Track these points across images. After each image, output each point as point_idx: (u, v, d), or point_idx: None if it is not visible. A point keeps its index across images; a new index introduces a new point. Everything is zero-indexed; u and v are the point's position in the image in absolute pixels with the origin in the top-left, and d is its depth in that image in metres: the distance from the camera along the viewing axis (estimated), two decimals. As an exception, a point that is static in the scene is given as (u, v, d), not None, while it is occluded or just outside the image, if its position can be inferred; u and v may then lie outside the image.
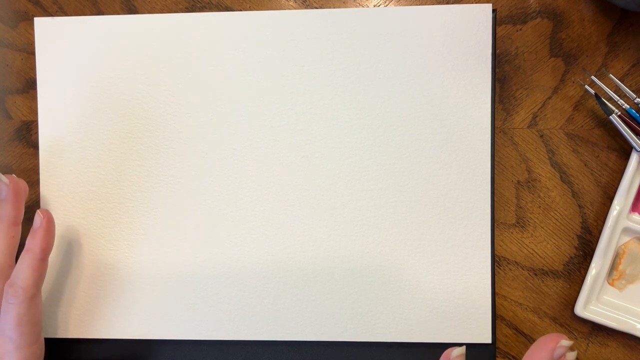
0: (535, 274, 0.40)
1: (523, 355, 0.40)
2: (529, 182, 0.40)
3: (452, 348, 0.34)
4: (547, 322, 0.40)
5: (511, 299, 0.40)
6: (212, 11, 0.41)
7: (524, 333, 0.40)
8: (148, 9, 0.41)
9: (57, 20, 0.40)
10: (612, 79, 0.38)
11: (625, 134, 0.37)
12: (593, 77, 0.38)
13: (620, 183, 0.38)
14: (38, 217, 0.37)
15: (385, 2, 0.41)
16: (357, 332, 0.39)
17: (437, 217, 0.39)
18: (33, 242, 0.36)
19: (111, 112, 0.40)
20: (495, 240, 0.40)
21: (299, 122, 0.39)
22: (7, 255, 0.37)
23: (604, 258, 0.38)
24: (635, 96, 0.37)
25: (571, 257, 0.40)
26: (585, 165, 0.40)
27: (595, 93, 0.38)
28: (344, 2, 0.41)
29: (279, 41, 0.39)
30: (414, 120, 0.39)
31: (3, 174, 0.40)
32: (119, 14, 0.41)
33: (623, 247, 0.39)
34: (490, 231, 0.39)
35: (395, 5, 0.41)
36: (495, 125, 0.40)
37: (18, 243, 0.38)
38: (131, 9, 0.41)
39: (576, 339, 0.40)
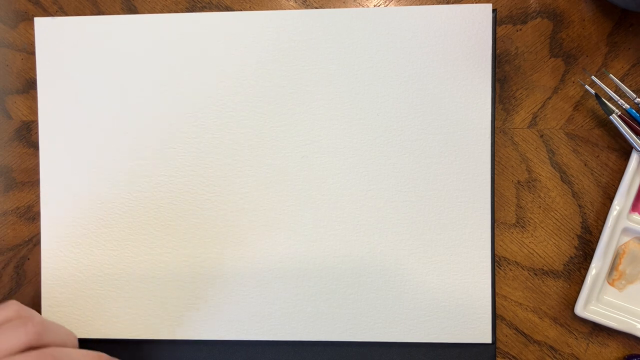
0: (535, 274, 0.40)
1: (523, 355, 0.40)
2: (529, 182, 0.40)
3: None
4: (547, 322, 0.40)
5: (511, 299, 0.40)
6: (212, 11, 0.41)
7: (524, 333, 0.40)
8: (148, 9, 0.41)
9: (57, 20, 0.40)
10: (612, 79, 0.38)
11: (625, 134, 0.37)
12: (593, 77, 0.38)
13: (620, 183, 0.38)
14: None
15: (385, 2, 0.41)
16: (357, 332, 0.39)
17: (437, 217, 0.39)
18: None
19: (111, 112, 0.40)
20: (495, 240, 0.40)
21: (298, 122, 0.39)
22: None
23: (604, 258, 0.38)
24: (635, 96, 0.37)
25: (571, 257, 0.40)
26: (585, 165, 0.40)
27: (595, 93, 0.38)
28: (344, 2, 0.41)
29: (278, 41, 0.39)
30: (414, 120, 0.39)
31: (4, 174, 0.40)
32: (119, 14, 0.41)
33: (623, 247, 0.39)
34: (490, 231, 0.39)
35: (395, 5, 0.41)
36: (495, 125, 0.40)
37: None
38: (131, 9, 0.41)
39: (576, 339, 0.40)
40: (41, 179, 0.40)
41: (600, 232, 0.39)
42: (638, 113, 0.38)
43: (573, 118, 0.40)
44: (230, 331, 0.40)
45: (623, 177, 0.38)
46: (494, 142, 0.39)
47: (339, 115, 0.39)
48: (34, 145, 0.42)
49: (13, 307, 0.33)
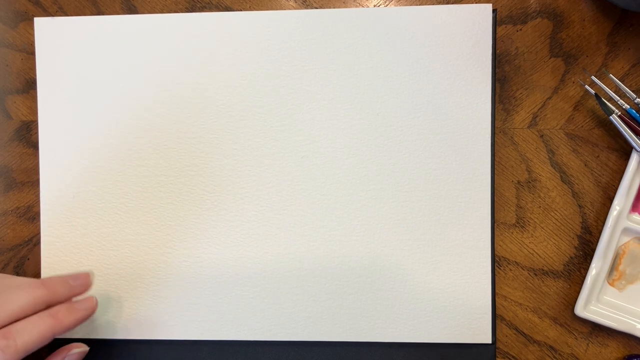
0: (535, 274, 0.40)
1: (523, 355, 0.40)
2: (529, 182, 0.40)
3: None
4: (547, 322, 0.40)
5: (511, 299, 0.40)
6: (212, 11, 0.41)
7: (524, 333, 0.40)
8: (148, 9, 0.41)
9: (57, 20, 0.40)
10: (612, 79, 0.38)
11: (625, 134, 0.37)
12: (593, 77, 0.38)
13: (620, 183, 0.38)
14: (89, 302, 0.35)
15: (385, 2, 0.41)
16: (357, 332, 0.39)
17: (437, 217, 0.39)
18: (65, 315, 0.33)
19: (111, 112, 0.40)
20: (495, 240, 0.40)
21: (298, 122, 0.39)
22: (22, 313, 0.33)
23: (604, 258, 0.38)
24: (635, 96, 0.37)
25: (571, 257, 0.40)
26: (585, 165, 0.40)
27: (595, 93, 0.38)
28: (344, 2, 0.41)
29: (279, 41, 0.39)
30: (413, 120, 0.39)
31: (4, 174, 0.40)
32: (119, 14, 0.41)
33: (623, 247, 0.39)
34: (490, 231, 0.39)
35: (395, 5, 0.41)
36: (495, 125, 0.40)
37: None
38: (131, 9, 0.41)
39: (576, 339, 0.40)
40: (41, 179, 0.40)
41: (600, 232, 0.39)
42: (638, 113, 0.38)
43: (573, 118, 0.40)
44: (230, 331, 0.40)
45: (623, 177, 0.38)
46: (494, 142, 0.39)
47: (339, 115, 0.39)
48: (34, 145, 0.42)
49: None
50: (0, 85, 0.42)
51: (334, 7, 0.41)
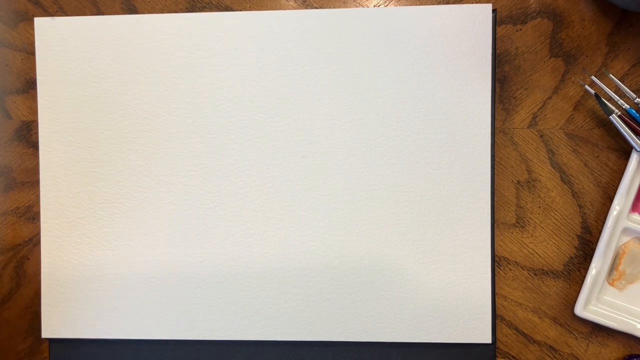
0: (535, 274, 0.40)
1: (523, 355, 0.40)
2: (529, 182, 0.40)
3: None
4: (547, 322, 0.40)
5: (511, 299, 0.40)
6: (212, 11, 0.41)
7: (524, 333, 0.40)
8: (148, 9, 0.41)
9: (57, 20, 0.40)
10: (612, 79, 0.38)
11: (625, 134, 0.37)
12: (593, 77, 0.38)
13: (620, 183, 0.38)
14: None
15: (385, 2, 0.41)
16: (357, 332, 0.39)
17: (437, 217, 0.39)
18: None
19: (111, 112, 0.40)
20: (495, 240, 0.40)
21: (299, 122, 0.39)
22: None
23: (604, 258, 0.38)
24: (635, 96, 0.37)
25: (571, 257, 0.40)
26: (585, 165, 0.40)
27: (595, 93, 0.38)
28: (344, 2, 0.41)
29: (279, 41, 0.39)
30: (414, 120, 0.39)
31: (4, 174, 0.40)
32: (119, 14, 0.41)
33: (623, 247, 0.39)
34: (490, 231, 0.39)
35: (395, 5, 0.41)
36: (495, 125, 0.40)
37: None
38: (131, 9, 0.41)
39: (576, 339, 0.40)
40: (41, 179, 0.40)
41: (600, 232, 0.39)
42: (638, 113, 0.38)
43: (573, 118, 0.40)
44: (230, 331, 0.40)
45: (623, 177, 0.38)
46: (494, 142, 0.39)
47: (339, 115, 0.39)
48: (34, 145, 0.42)
49: None
50: (0, 85, 0.42)
51: (334, 7, 0.41)
